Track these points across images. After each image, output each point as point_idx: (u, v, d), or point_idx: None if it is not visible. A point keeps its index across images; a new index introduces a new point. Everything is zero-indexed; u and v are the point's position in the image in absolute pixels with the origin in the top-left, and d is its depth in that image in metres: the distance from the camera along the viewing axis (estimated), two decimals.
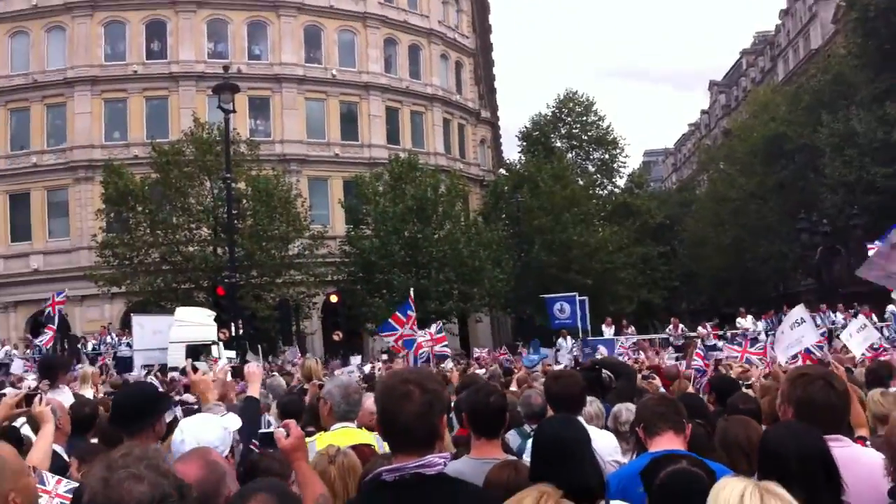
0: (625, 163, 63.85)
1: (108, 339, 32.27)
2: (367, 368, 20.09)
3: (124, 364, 27.10)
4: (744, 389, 7.77)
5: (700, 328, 32.76)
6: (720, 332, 31.92)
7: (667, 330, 34.70)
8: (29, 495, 2.85)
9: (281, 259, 38.32)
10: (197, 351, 25.12)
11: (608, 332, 32.57)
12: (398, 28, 51.91)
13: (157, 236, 37.28)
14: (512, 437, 6.67)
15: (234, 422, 4.72)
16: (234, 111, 28.67)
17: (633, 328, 34.47)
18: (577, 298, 31.70)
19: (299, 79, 48.08)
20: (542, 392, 7.13)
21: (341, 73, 49.25)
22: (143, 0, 46.20)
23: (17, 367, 23.50)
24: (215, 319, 27.80)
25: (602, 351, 21.33)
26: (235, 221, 32.33)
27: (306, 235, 39.83)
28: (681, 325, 33.36)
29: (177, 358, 24.25)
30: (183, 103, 45.09)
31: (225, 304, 27.13)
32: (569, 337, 30.68)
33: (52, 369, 8.93)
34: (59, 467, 5.08)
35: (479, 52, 63.16)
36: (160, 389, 7.75)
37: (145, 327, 28.34)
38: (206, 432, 3.98)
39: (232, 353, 24.47)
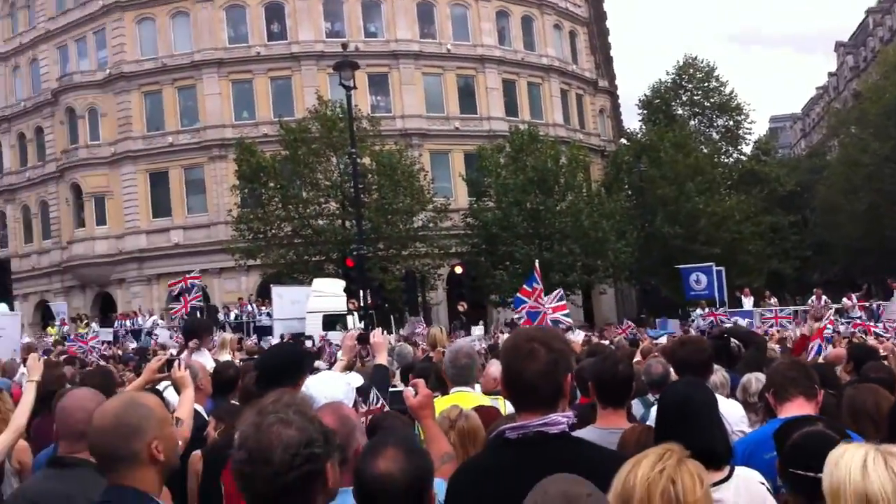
0: (750, 129, 61.76)
1: (248, 309, 33.57)
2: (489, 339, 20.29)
3: (263, 333, 28.19)
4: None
5: (845, 299, 30.32)
6: (866, 304, 29.99)
7: (809, 301, 33.00)
8: (171, 444, 2.97)
9: (406, 231, 39.01)
10: (333, 321, 25.85)
11: (747, 303, 31.33)
12: (509, 0, 51.66)
13: (288, 211, 38.57)
14: (635, 405, 6.61)
15: (357, 379, 4.95)
16: (355, 88, 29.32)
17: (775, 299, 33.02)
18: (714, 269, 30.66)
19: (415, 54, 48.48)
20: (664, 361, 7.25)
21: (456, 47, 49.38)
22: None
23: (163, 336, 24.89)
24: (344, 290, 28.62)
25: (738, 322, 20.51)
26: (362, 195, 33.09)
27: (430, 208, 40.43)
28: (823, 297, 31.03)
29: (314, 327, 25.07)
30: (305, 82, 46.19)
31: (354, 275, 27.85)
32: (706, 308, 29.69)
33: (196, 332, 9.14)
34: (199, 426, 5.41)
35: (593, 20, 62.15)
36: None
37: (284, 297, 29.04)
38: (331, 388, 4.10)
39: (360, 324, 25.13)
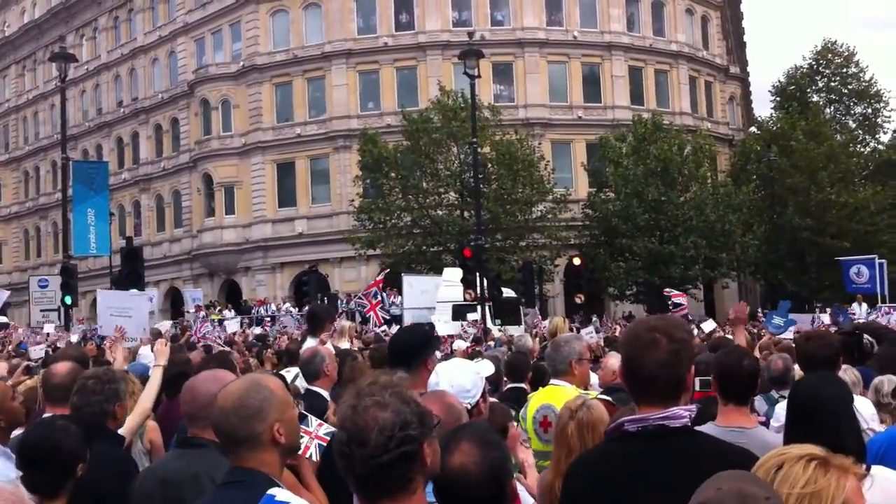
0: (889, 117, 59.05)
1: (379, 297, 33.69)
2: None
3: (393, 322, 28.33)
4: None
5: None
6: None
7: None
8: (292, 427, 3.00)
9: (525, 222, 38.92)
10: (462, 310, 25.92)
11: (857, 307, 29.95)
12: None
13: (408, 201, 39.04)
14: (759, 402, 6.48)
15: (488, 368, 4.92)
16: (478, 77, 29.32)
17: None
18: (877, 261, 29.32)
19: (541, 42, 48.15)
20: (786, 357, 7.00)
21: (583, 34, 48.79)
22: None
23: (287, 323, 25.58)
24: (461, 280, 28.73)
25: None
26: (481, 185, 33.16)
27: (549, 199, 40.17)
28: None
29: (444, 317, 25.22)
30: (430, 72, 46.53)
31: (471, 265, 27.91)
32: (864, 303, 27.96)
33: (318, 318, 9.28)
34: (321, 410, 5.55)
35: (727, 4, 60.38)
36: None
37: (414, 287, 29.02)
38: (459, 376, 4.08)
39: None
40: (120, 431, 5.18)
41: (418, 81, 47.22)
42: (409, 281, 29.92)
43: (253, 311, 38.03)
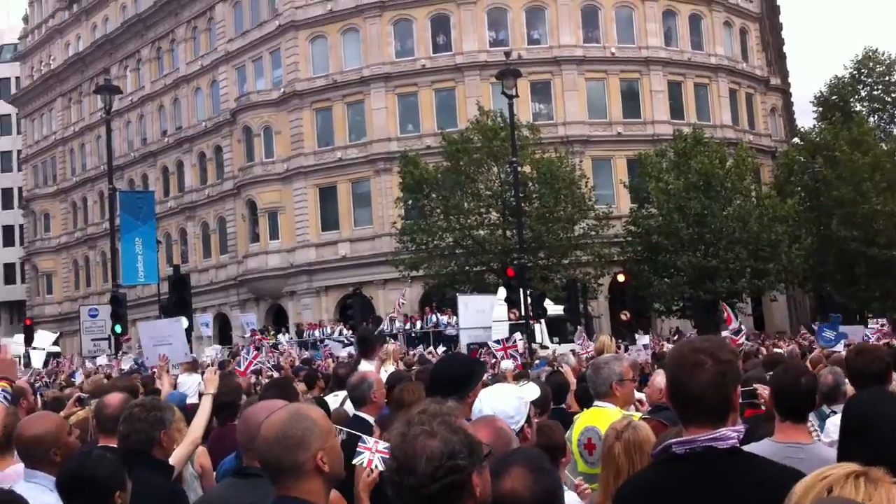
0: None
1: (433, 318, 33.72)
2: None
3: (447, 342, 28.33)
4: None
5: None
6: None
7: None
8: (335, 456, 3.01)
9: (567, 240, 38.81)
10: (518, 329, 25.83)
11: None
12: None
13: (450, 221, 39.12)
14: (810, 417, 6.45)
15: (532, 391, 4.87)
16: (516, 96, 29.38)
17: None
18: None
19: (579, 59, 48.14)
20: (837, 371, 6.89)
21: (620, 50, 48.71)
22: None
23: (334, 347, 25.70)
24: (505, 300, 28.68)
25: None
26: (522, 204, 33.15)
27: (591, 216, 40.03)
28: None
29: (500, 336, 25.14)
30: (469, 92, 46.69)
31: (514, 284, 27.90)
32: None
33: (369, 342, 9.39)
34: (367, 435, 5.59)
35: (765, 15, 59.91)
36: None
37: (469, 307, 28.85)
38: (503, 402, 4.06)
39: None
40: (170, 460, 5.24)
41: (457, 102, 47.43)
42: (464, 301, 29.84)
43: (306, 334, 38.23)
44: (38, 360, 30.79)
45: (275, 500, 2.99)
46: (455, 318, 31.06)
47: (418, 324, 34.29)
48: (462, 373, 4.78)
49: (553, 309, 31.68)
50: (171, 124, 59.55)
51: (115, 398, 5.40)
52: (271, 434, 2.96)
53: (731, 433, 2.84)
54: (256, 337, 33.51)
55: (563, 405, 7.90)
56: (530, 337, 24.93)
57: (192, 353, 16.59)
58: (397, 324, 33.61)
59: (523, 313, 26.42)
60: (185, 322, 20.08)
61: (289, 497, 2.94)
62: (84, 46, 66.80)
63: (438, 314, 34.61)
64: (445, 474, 2.39)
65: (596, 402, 5.75)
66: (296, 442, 2.92)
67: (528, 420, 4.12)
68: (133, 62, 63.02)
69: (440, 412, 2.52)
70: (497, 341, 16.65)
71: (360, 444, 4.59)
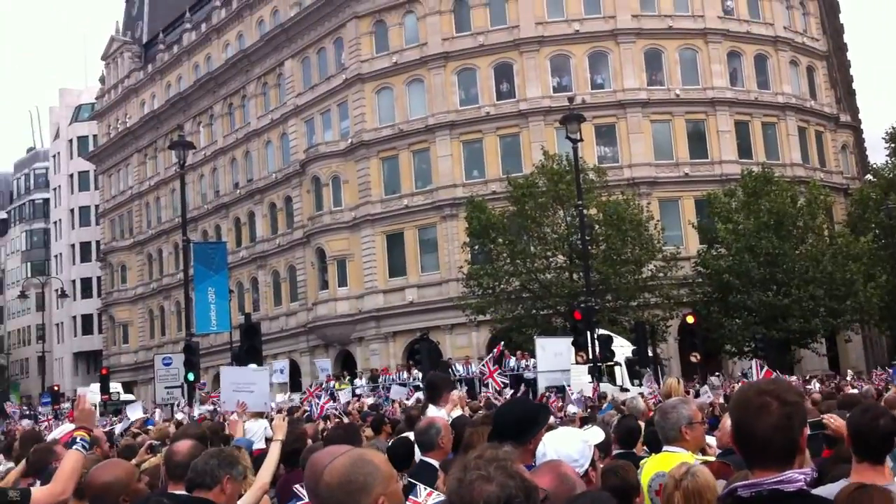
0: None
1: (511, 363, 33.39)
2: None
3: (528, 385, 28.10)
4: None
5: None
6: None
7: None
8: (397, 500, 2.99)
9: (635, 282, 38.48)
10: (598, 372, 25.59)
11: None
12: (742, 40, 50.04)
13: (516, 265, 39.11)
14: (888, 460, 6.33)
15: (597, 435, 4.83)
16: (581, 140, 29.47)
17: None
18: None
19: (643, 102, 48.02)
20: None
21: (685, 91, 48.46)
22: (490, 44, 48.89)
23: (397, 392, 25.79)
24: (573, 343, 28.48)
25: None
26: (589, 247, 33.03)
27: (659, 257, 39.67)
28: None
29: (578, 378, 24.94)
30: (533, 138, 46.90)
31: (581, 327, 27.72)
32: None
33: (437, 388, 9.31)
34: (431, 481, 5.46)
35: (832, 53, 59.15)
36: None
37: (547, 350, 28.41)
38: (566, 445, 4.07)
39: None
40: None
41: (521, 148, 47.64)
42: (541, 344, 29.58)
43: (381, 379, 38.34)
44: (135, 412, 31.33)
45: None
46: (531, 360, 30.86)
47: (461, 368, 33.89)
48: (526, 417, 4.75)
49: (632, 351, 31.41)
50: (243, 177, 60.93)
51: (184, 445, 5.50)
52: (334, 479, 2.96)
53: (797, 475, 2.82)
54: (331, 383, 33.73)
55: (633, 450, 7.84)
56: (601, 379, 24.74)
57: (269, 402, 16.72)
58: (473, 367, 33.09)
59: (590, 356, 26.25)
60: (272, 373, 20.35)
61: None
62: (159, 104, 69.06)
63: (514, 357, 34.26)
64: None
65: (665, 447, 5.69)
66: (358, 487, 2.91)
67: (593, 463, 4.12)
68: (206, 118, 64.86)
69: (497, 457, 2.53)
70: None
71: (410, 497, 4.49)
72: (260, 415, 12.94)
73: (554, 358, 27.63)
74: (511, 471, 2.51)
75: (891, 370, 24.97)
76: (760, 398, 2.88)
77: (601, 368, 26.96)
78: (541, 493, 2.57)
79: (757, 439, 2.86)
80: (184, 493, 4.87)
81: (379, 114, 51.40)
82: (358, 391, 31.64)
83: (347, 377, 39.77)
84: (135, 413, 18.74)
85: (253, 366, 19.95)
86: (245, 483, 5.45)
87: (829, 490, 3.77)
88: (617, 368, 27.66)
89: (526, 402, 5.78)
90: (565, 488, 3.22)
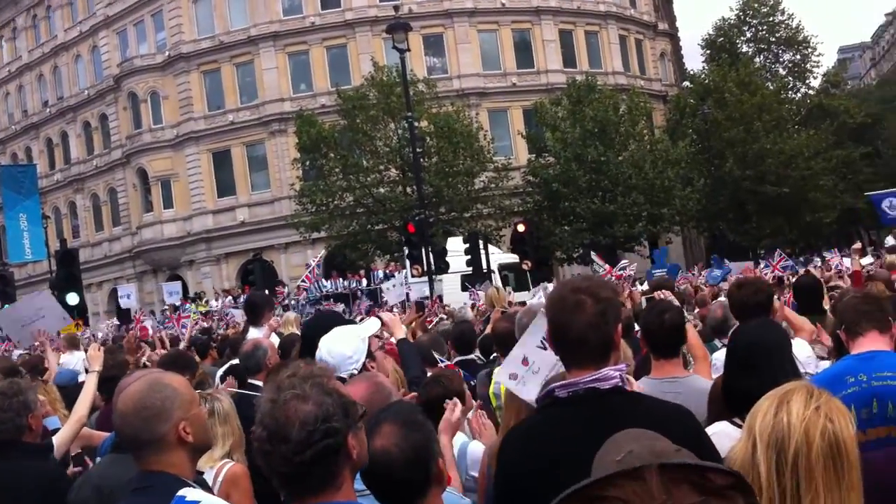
0: (818, 62, 59.85)
1: (342, 282, 32.61)
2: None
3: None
4: None
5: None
6: None
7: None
8: (200, 425, 2.91)
9: (467, 193, 38.88)
10: (473, 281, 25.38)
11: None
12: None
13: (349, 180, 38.68)
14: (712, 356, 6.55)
15: (373, 325, 4.70)
16: (408, 50, 29.06)
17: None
18: None
19: (470, 11, 47.94)
20: (725, 305, 7.02)
21: (511, 0, 48.74)
22: None
23: (236, 314, 25.16)
24: (406, 256, 28.53)
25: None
26: (421, 160, 32.96)
27: (490, 168, 40.16)
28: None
29: (452, 289, 24.82)
30: (361, 49, 46.07)
31: (416, 240, 27.76)
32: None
33: (257, 307, 8.92)
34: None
35: None
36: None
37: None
38: (338, 344, 4.10)
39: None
40: (54, 440, 5.01)
41: (349, 59, 46.76)
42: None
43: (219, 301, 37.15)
44: None
45: (136, 475, 2.83)
46: (364, 281, 30.74)
47: (328, 284, 33.51)
48: (328, 330, 4.59)
49: (506, 258, 31.70)
50: (53, 94, 57.19)
51: None
52: (129, 405, 2.80)
53: (612, 373, 2.78)
54: (187, 305, 32.55)
55: (472, 356, 7.87)
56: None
57: (69, 316, 15.60)
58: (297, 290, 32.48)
59: (426, 269, 26.35)
60: (48, 292, 19.30)
61: (151, 471, 2.79)
62: None
63: (347, 276, 33.97)
64: (320, 438, 2.27)
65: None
66: (154, 413, 2.77)
67: (370, 354, 4.20)
68: (8, 31, 60.23)
69: (311, 373, 2.39)
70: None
71: None
72: (76, 346, 12.17)
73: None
74: (328, 388, 2.36)
75: (706, 271, 26.29)
76: (575, 295, 2.82)
77: (434, 280, 27.06)
78: (358, 409, 2.42)
79: (572, 337, 2.81)
80: None
81: (197, 24, 49.04)
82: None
83: (205, 298, 38.59)
84: None
85: (72, 296, 18.94)
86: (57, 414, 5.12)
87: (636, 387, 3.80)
88: (493, 276, 27.35)
89: (330, 315, 5.67)
90: (380, 398, 3.14)
